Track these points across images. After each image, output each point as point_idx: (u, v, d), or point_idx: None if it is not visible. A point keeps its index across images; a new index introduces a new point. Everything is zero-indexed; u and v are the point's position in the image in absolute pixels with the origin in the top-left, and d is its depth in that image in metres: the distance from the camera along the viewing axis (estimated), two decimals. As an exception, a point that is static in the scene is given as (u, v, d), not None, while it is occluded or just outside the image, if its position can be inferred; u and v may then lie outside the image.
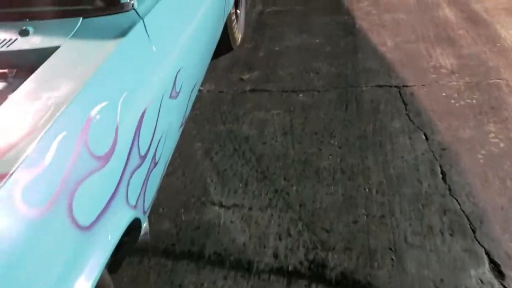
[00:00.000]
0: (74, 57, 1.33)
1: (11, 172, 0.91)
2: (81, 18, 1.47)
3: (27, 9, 1.55)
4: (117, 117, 1.22)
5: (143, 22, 1.53)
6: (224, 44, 3.11)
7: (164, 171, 1.67)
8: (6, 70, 1.34)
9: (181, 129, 1.91)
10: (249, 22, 3.77)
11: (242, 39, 3.40)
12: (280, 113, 2.46)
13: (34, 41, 1.41)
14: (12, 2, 1.57)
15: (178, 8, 1.90)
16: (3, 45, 1.39)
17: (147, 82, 1.46)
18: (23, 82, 1.20)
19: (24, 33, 1.43)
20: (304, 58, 3.10)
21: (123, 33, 1.43)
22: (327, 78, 2.80)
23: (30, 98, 1.14)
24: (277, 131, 2.31)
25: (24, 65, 1.34)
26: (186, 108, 1.92)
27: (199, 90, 2.67)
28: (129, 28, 1.47)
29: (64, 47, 1.34)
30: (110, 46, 1.36)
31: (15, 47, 1.38)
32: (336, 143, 2.19)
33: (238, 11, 3.48)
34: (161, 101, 1.51)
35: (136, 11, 1.54)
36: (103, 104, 1.21)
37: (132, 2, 1.55)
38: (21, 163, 0.93)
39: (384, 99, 2.53)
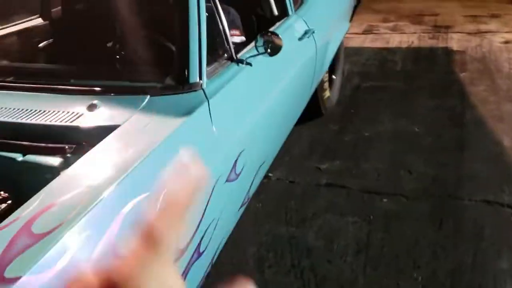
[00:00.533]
0: (130, 138, 1.48)
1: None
2: (148, 96, 1.59)
3: (100, 83, 1.71)
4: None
5: (208, 103, 1.67)
6: (312, 110, 3.29)
7: (213, 261, 1.73)
8: (66, 146, 1.46)
9: (242, 209, 2.01)
10: (341, 98, 3.86)
11: (328, 117, 3.49)
12: (357, 222, 2.42)
13: (98, 118, 1.58)
14: (85, 77, 1.74)
15: (251, 87, 2.00)
16: (69, 119, 1.55)
17: None
18: (78, 159, 1.36)
19: (91, 108, 1.61)
20: (397, 149, 3.08)
21: (186, 114, 1.58)
22: (421, 181, 2.74)
23: (72, 181, 1.29)
24: (349, 247, 2.26)
25: (84, 141, 1.50)
26: (249, 189, 2.02)
27: (268, 177, 2.75)
28: (193, 108, 1.62)
29: (125, 126, 1.50)
30: (169, 127, 1.50)
31: (78, 122, 1.56)
32: (419, 277, 2.08)
33: (333, 76, 3.61)
34: (214, 186, 1.59)
35: (204, 92, 1.65)
36: (135, 201, 1.28)
37: (201, 82, 1.66)
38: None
39: (491, 222, 2.39)
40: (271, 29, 2.45)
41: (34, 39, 2.54)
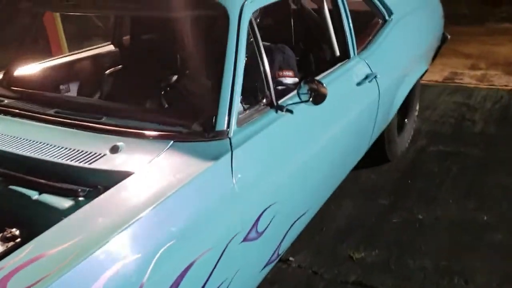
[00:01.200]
0: (141, 188, 1.42)
1: None
2: (171, 142, 1.54)
3: (129, 123, 1.68)
4: (144, 277, 1.21)
5: (231, 154, 1.59)
6: (378, 155, 3.08)
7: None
8: (79, 189, 1.44)
9: (268, 268, 1.89)
10: (399, 163, 3.33)
11: (378, 188, 3.04)
12: None
13: (117, 161, 1.57)
14: (112, 116, 1.72)
15: (289, 136, 1.90)
16: (89, 160, 1.54)
17: (205, 228, 1.43)
18: (87, 204, 1.35)
19: (114, 150, 1.59)
20: (455, 244, 2.46)
21: (204, 164, 1.50)
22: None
23: (71, 229, 1.27)
24: None
25: (99, 185, 1.47)
26: (278, 246, 1.89)
27: (287, 262, 2.38)
28: (214, 158, 1.54)
29: (140, 173, 1.46)
30: (183, 178, 1.44)
31: (97, 164, 1.54)
32: None
33: (405, 120, 3.38)
34: (226, 248, 1.49)
35: (230, 141, 1.60)
36: (134, 257, 1.22)
37: (228, 130, 1.59)
38: None
39: None
40: (328, 71, 2.32)
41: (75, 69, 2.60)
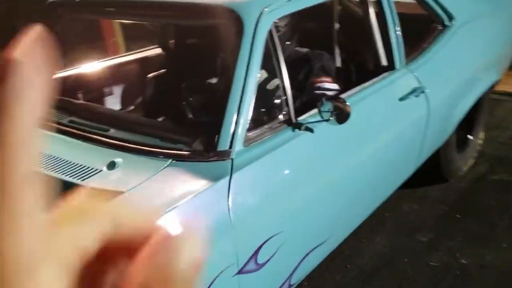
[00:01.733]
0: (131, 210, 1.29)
1: None
2: (170, 160, 1.46)
3: (128, 136, 1.63)
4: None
5: (230, 177, 1.47)
6: (433, 174, 2.77)
7: None
8: None
9: None
10: (449, 191, 2.85)
11: (420, 221, 2.61)
12: None
13: (111, 178, 1.48)
14: (117, 127, 1.68)
15: (307, 157, 1.74)
16: (83, 175, 1.49)
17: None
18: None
19: (110, 166, 1.52)
20: None
21: (199, 187, 1.41)
22: None
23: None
24: None
25: None
26: (288, 277, 1.74)
27: None
28: (211, 181, 1.43)
29: (130, 193, 1.38)
30: (174, 201, 1.35)
31: (90, 181, 1.49)
32: None
33: (469, 136, 3.02)
34: (214, 280, 1.38)
35: (232, 162, 1.48)
36: None
37: (230, 150, 1.46)
38: None
39: None
40: (366, 84, 2.11)
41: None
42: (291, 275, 1.74)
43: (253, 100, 1.60)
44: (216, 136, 1.52)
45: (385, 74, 2.21)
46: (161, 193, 1.40)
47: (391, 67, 2.25)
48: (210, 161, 1.50)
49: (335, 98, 1.69)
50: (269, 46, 1.70)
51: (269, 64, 1.75)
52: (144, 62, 2.76)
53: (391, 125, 2.12)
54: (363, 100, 2.00)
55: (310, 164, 1.74)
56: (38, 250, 0.19)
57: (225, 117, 1.53)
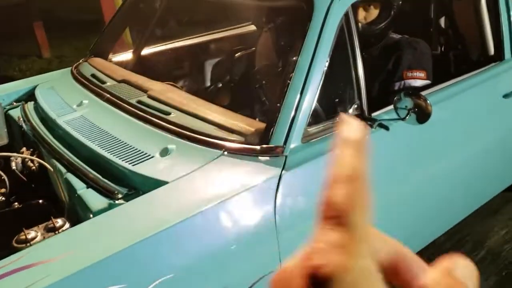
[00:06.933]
0: (172, 199, 1.30)
1: None
2: (221, 152, 1.36)
3: (184, 121, 1.57)
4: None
5: (280, 176, 1.33)
6: None
7: None
8: (115, 190, 1.41)
9: None
10: None
11: None
12: None
13: (162, 165, 1.46)
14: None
15: (379, 159, 1.53)
16: (136, 160, 1.46)
17: (229, 258, 1.25)
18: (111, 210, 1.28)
19: (163, 152, 1.48)
20: None
21: (249, 182, 1.29)
22: None
23: (80, 236, 1.21)
24: None
25: (140, 188, 1.39)
26: None
27: None
28: (264, 177, 1.31)
29: (176, 183, 1.32)
30: (221, 194, 1.26)
31: (141, 166, 1.44)
32: None
33: None
34: (252, 285, 1.27)
35: (285, 159, 1.36)
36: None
37: (284, 147, 1.34)
38: None
39: None
40: (469, 74, 1.81)
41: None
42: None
43: (318, 92, 1.43)
44: (271, 129, 1.39)
45: (491, 65, 1.88)
46: (207, 185, 1.31)
47: (499, 57, 1.91)
48: (263, 155, 1.37)
49: (415, 94, 1.45)
50: (344, 32, 1.50)
51: (342, 52, 1.55)
52: (236, 40, 2.68)
53: (490, 127, 1.81)
54: (458, 95, 1.72)
55: (379, 167, 1.52)
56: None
57: (282, 109, 1.39)
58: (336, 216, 0.23)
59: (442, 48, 2.14)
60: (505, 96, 1.82)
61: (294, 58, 1.45)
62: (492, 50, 1.91)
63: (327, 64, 1.45)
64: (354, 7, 1.57)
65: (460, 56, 2.07)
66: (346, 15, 1.50)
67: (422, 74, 1.92)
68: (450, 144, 1.69)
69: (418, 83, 1.91)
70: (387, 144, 1.55)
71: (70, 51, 5.78)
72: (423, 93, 1.72)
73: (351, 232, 0.23)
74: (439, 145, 1.66)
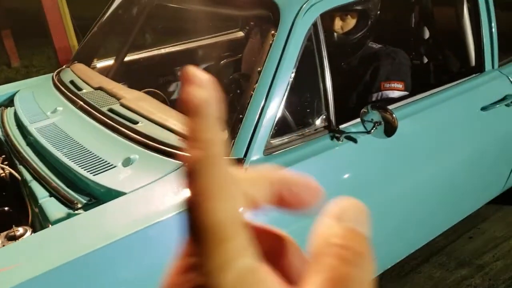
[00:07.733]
0: (123, 211, 1.28)
1: None
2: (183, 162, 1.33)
3: (149, 131, 1.54)
4: None
5: None
6: None
7: None
8: (75, 200, 1.39)
9: None
10: None
11: None
12: None
13: (123, 176, 1.44)
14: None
15: (344, 173, 1.51)
16: (98, 170, 1.45)
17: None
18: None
19: (126, 162, 1.47)
20: None
21: None
22: None
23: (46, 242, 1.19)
24: None
25: (94, 199, 1.38)
26: None
27: None
28: None
29: (130, 196, 1.30)
30: (163, 212, 1.23)
31: (101, 176, 1.42)
32: None
33: None
34: None
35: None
36: None
37: (244, 159, 1.34)
38: None
39: None
40: (443, 87, 1.77)
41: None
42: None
43: (282, 103, 1.40)
44: (232, 141, 1.36)
45: (471, 77, 1.84)
46: (161, 198, 1.29)
47: (479, 69, 1.87)
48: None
49: (382, 108, 1.42)
50: (313, 42, 1.48)
51: (310, 63, 1.52)
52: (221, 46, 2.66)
53: (466, 139, 1.76)
54: (434, 106, 1.68)
55: (348, 183, 1.49)
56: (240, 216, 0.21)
57: (244, 120, 1.36)
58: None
59: (423, 59, 2.10)
60: (483, 108, 1.78)
61: (259, 68, 1.43)
62: (473, 61, 1.87)
63: (293, 74, 1.42)
64: (324, 17, 1.54)
65: (440, 66, 2.03)
66: (315, 25, 1.47)
67: (400, 85, 1.88)
68: (423, 157, 1.65)
69: (396, 94, 1.87)
70: (355, 157, 1.51)
71: (42, 60, 5.69)
72: (398, 104, 1.70)
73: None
74: (412, 158, 1.62)
